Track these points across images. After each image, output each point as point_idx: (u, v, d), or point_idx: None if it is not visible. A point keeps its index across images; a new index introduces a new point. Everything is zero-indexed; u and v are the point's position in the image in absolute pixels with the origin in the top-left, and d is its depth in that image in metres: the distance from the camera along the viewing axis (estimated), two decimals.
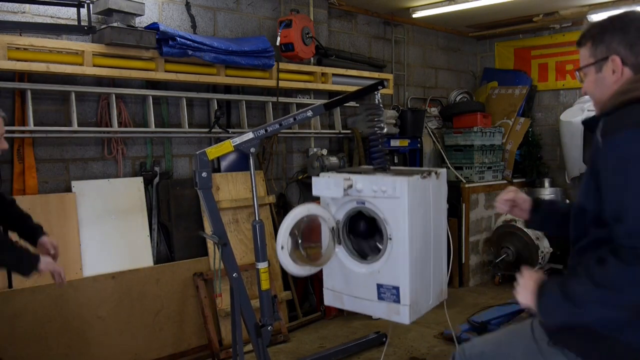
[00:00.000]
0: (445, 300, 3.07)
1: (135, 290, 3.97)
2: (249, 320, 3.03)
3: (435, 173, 2.83)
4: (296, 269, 2.80)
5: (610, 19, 1.66)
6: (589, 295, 1.52)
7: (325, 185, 2.75)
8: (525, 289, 1.74)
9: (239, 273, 3.03)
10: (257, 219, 3.03)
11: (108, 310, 3.83)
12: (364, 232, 2.95)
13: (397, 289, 2.66)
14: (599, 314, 1.55)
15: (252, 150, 2.98)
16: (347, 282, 2.86)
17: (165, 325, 4.08)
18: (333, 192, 2.73)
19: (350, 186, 2.72)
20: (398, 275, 2.66)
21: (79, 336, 3.70)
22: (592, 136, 1.62)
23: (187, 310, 4.19)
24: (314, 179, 2.81)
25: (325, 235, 2.88)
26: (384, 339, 4.34)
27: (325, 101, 3.31)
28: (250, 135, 2.97)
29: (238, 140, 2.95)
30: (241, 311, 3.01)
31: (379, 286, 2.72)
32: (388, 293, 2.69)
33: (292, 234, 2.75)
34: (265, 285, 3.02)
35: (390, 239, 2.66)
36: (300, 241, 2.80)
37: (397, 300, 2.67)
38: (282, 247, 2.70)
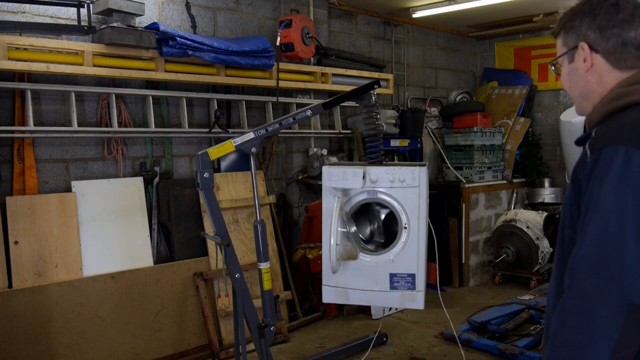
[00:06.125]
0: (443, 300, 3.11)
1: (135, 290, 3.96)
2: (252, 320, 3.03)
3: (426, 165, 2.93)
4: (338, 267, 2.80)
5: (581, 3, 1.47)
6: None
7: (342, 176, 2.73)
8: None
9: (241, 273, 3.03)
10: (258, 219, 3.03)
11: (108, 310, 3.83)
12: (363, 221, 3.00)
13: (412, 276, 2.74)
14: None
15: (253, 150, 2.99)
16: (354, 275, 2.86)
17: (165, 325, 4.07)
18: (352, 183, 2.73)
19: (364, 176, 2.74)
20: (414, 263, 2.73)
21: (79, 336, 3.70)
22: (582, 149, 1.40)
23: (187, 310, 4.19)
24: (327, 170, 2.77)
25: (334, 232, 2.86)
26: (385, 339, 4.34)
27: (324, 101, 3.33)
28: (251, 135, 2.97)
29: (239, 140, 2.96)
30: (244, 311, 3.01)
31: (392, 275, 2.77)
32: (402, 281, 2.75)
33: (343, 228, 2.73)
34: (267, 285, 3.02)
35: (406, 227, 2.71)
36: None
37: (413, 287, 2.74)
38: (338, 244, 2.69)
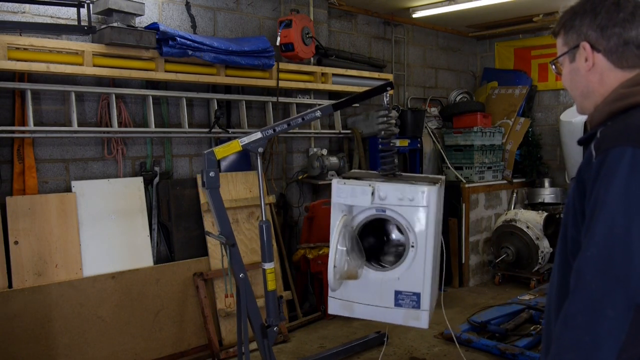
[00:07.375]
0: (443, 300, 3.10)
1: (135, 290, 3.96)
2: (256, 320, 3.02)
3: (441, 181, 2.89)
4: (339, 285, 2.79)
5: (581, 1, 1.45)
6: None
7: (351, 193, 2.71)
8: None
9: (245, 274, 3.02)
10: (263, 219, 3.01)
11: (108, 310, 3.82)
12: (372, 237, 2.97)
13: (417, 295, 2.70)
14: None
15: (260, 150, 2.96)
16: (360, 290, 2.84)
17: (165, 325, 4.07)
18: (360, 200, 2.71)
19: (373, 194, 2.71)
20: (419, 282, 2.69)
21: (79, 336, 3.69)
22: (586, 148, 1.38)
23: (187, 310, 4.19)
24: (336, 186, 2.76)
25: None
26: (385, 339, 4.34)
27: (334, 101, 3.27)
28: (258, 135, 2.95)
29: (246, 140, 2.93)
30: (247, 312, 3.00)
31: (397, 293, 2.74)
32: (407, 299, 2.72)
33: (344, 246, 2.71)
34: (271, 285, 3.00)
35: (413, 246, 2.68)
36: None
37: (417, 306, 2.71)
38: (335, 266, 2.66)
